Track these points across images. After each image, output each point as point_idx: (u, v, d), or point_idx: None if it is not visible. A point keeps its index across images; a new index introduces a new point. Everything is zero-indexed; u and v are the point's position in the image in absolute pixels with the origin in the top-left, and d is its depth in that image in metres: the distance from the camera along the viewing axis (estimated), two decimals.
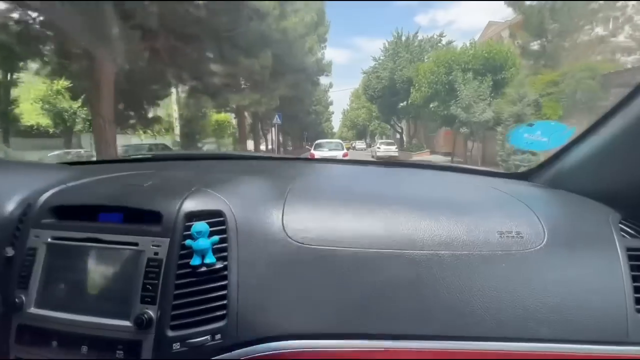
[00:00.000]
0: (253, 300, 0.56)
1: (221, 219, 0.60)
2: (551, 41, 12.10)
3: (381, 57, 22.94)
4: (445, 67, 11.45)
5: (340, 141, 13.14)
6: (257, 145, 16.56)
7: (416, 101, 14.24)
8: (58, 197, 0.65)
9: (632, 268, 0.57)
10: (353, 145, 44.60)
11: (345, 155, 10.67)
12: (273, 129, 16.11)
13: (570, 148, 0.78)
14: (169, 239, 0.57)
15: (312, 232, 0.61)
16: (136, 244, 0.57)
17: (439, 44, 19.23)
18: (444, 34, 20.95)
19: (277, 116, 14.65)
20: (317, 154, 10.80)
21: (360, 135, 53.34)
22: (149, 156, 1.52)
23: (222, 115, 17.92)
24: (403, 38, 21.09)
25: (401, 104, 23.59)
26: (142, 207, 0.60)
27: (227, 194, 0.64)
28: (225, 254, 0.58)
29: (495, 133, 10.87)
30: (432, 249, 0.58)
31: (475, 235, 0.59)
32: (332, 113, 54.36)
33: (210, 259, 0.56)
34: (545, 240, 0.59)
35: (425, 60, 19.41)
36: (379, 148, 20.98)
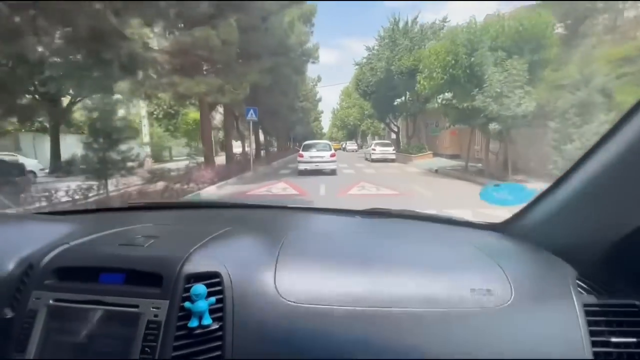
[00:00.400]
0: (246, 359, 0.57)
1: (218, 280, 0.63)
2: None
3: (375, 47, 20.16)
4: (466, 47, 8.74)
5: (328, 142, 13.66)
6: (228, 149, 13.47)
7: (423, 91, 11.47)
8: (61, 258, 0.67)
9: (589, 323, 0.59)
10: (343, 146, 41.48)
11: (332, 155, 11.56)
12: (250, 127, 13.09)
13: (535, 203, 0.83)
14: (168, 301, 0.59)
15: (304, 291, 0.63)
16: (137, 306, 0.59)
17: (442, 31, 16.62)
18: (447, 19, 18.17)
19: (251, 111, 11.70)
20: (306, 154, 11.63)
21: (351, 136, 51.03)
22: (143, 204, 1.37)
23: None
24: (401, 24, 18.36)
25: (398, 100, 20.86)
26: (143, 270, 0.62)
27: (223, 254, 0.68)
28: (220, 314, 0.60)
29: (530, 131, 8.33)
30: (415, 307, 0.61)
31: (452, 293, 0.62)
32: (322, 112, 51.21)
33: (207, 320, 0.58)
34: (512, 297, 0.62)
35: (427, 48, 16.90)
36: (374, 150, 17.98)
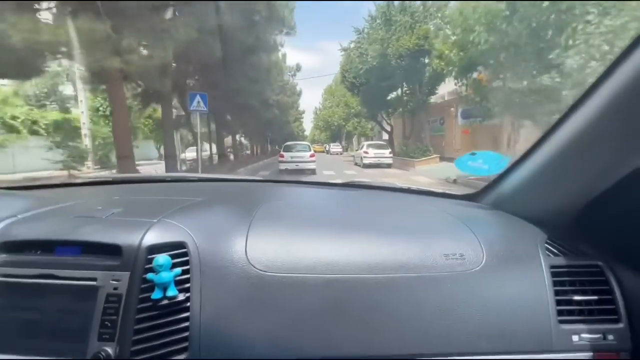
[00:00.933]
0: (216, 331, 0.56)
1: (184, 250, 0.60)
2: None
3: (366, 28, 16.76)
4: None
5: (308, 144, 13.94)
6: (167, 150, 9.36)
7: (444, 69, 8.09)
8: (8, 232, 0.63)
9: (555, 283, 0.63)
10: (327, 148, 38.23)
11: (312, 156, 12.05)
12: (198, 121, 9.12)
13: (508, 173, 0.85)
14: (129, 273, 0.56)
15: (275, 260, 0.61)
16: (94, 279, 0.56)
17: (448, 6, 13.40)
18: None
19: (197, 98, 7.97)
20: (287, 154, 12.02)
21: (335, 137, 47.33)
22: (109, 179, 1.30)
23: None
24: (396, 2, 14.88)
25: (393, 94, 17.44)
26: (101, 241, 0.59)
27: (190, 224, 0.65)
28: (187, 285, 0.58)
29: None
30: (389, 273, 0.61)
31: (425, 259, 0.64)
32: (303, 112, 46.69)
33: (172, 291, 0.56)
34: (484, 261, 0.64)
35: (432, 27, 13.59)
36: (366, 153, 14.16)
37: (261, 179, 1.34)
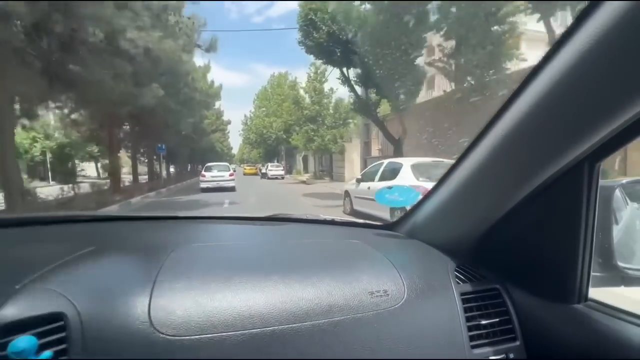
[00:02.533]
0: None
1: (60, 323, 0.48)
2: None
3: None
4: None
5: (227, 164, 15.43)
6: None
7: None
8: None
9: (465, 310, 0.66)
10: (263, 170, 28.43)
11: (230, 175, 13.57)
12: None
13: (422, 202, 0.89)
14: None
15: (186, 320, 0.52)
16: None
17: None
18: None
19: None
20: (208, 174, 13.47)
21: (272, 155, 38.92)
22: None
23: None
24: None
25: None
26: None
27: (71, 288, 0.53)
28: None
29: None
30: (314, 319, 0.58)
31: (350, 299, 0.62)
32: (228, 123, 38.04)
33: None
34: (405, 295, 0.65)
35: None
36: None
37: (175, 215, 1.16)
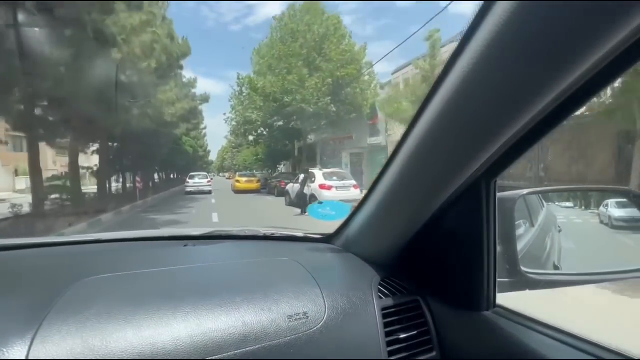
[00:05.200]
0: None
1: None
2: None
3: None
4: None
5: (206, 173, 21.71)
6: None
7: None
8: None
9: (385, 325, 0.67)
10: (293, 187, 10.48)
11: (208, 181, 17.76)
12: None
13: (353, 215, 0.90)
14: None
15: None
16: None
17: None
18: None
19: None
20: (191, 181, 17.37)
21: (281, 156, 24.77)
22: None
23: None
24: None
25: None
26: None
27: None
28: None
29: None
30: (227, 350, 0.55)
31: (268, 326, 0.60)
32: (205, 101, 22.11)
33: None
34: (325, 315, 0.64)
35: None
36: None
37: (91, 238, 1.03)
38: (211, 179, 20.28)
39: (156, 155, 16.15)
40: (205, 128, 33.93)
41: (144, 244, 1.08)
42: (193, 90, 19.25)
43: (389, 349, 0.64)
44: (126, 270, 0.76)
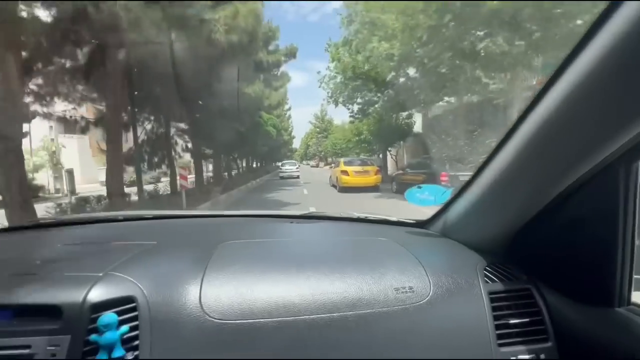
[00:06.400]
0: None
1: (132, 305, 0.58)
2: None
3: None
4: None
5: (295, 161, 27.80)
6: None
7: None
8: None
9: (493, 309, 0.67)
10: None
11: (297, 168, 22.08)
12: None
13: (453, 201, 0.90)
14: (69, 336, 0.53)
15: (230, 306, 0.60)
16: (28, 347, 0.51)
17: None
18: None
19: None
20: (283, 168, 22.32)
21: (388, 142, 16.64)
22: (54, 221, 1.20)
23: None
24: None
25: None
26: (37, 302, 0.55)
27: (139, 276, 0.62)
28: (137, 342, 0.55)
29: None
30: (342, 311, 0.62)
31: (377, 294, 0.65)
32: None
33: (119, 352, 0.53)
34: (431, 292, 0.67)
35: None
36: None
37: (219, 214, 1.30)
38: (299, 166, 23.79)
39: (239, 140, 13.10)
40: (290, 109, 31.25)
41: (259, 219, 1.27)
42: (276, 42, 15.42)
43: (498, 332, 0.64)
44: (251, 238, 0.93)
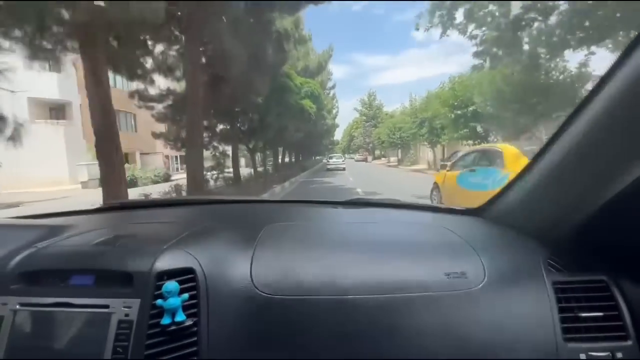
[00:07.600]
0: (223, 354, 0.58)
1: (191, 275, 0.63)
2: None
3: None
4: None
5: (340, 154, 30.67)
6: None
7: None
8: (27, 262, 0.66)
9: (559, 300, 0.62)
10: None
11: (343, 161, 24.66)
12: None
13: (509, 187, 0.85)
14: (140, 299, 0.59)
15: (279, 282, 0.63)
16: (107, 306, 0.58)
17: None
18: None
19: None
20: (330, 160, 25.03)
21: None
22: (122, 204, 1.39)
23: None
24: None
25: None
26: (114, 269, 0.63)
27: (197, 250, 0.68)
28: (195, 310, 0.60)
29: None
30: (391, 293, 0.61)
31: (427, 278, 0.64)
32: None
33: (180, 317, 0.58)
34: (485, 278, 0.64)
35: None
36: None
37: (265, 199, 1.39)
38: (344, 159, 26.42)
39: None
40: (334, 87, 26.48)
41: (304, 204, 1.33)
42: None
43: (564, 325, 0.59)
44: (297, 221, 0.98)
